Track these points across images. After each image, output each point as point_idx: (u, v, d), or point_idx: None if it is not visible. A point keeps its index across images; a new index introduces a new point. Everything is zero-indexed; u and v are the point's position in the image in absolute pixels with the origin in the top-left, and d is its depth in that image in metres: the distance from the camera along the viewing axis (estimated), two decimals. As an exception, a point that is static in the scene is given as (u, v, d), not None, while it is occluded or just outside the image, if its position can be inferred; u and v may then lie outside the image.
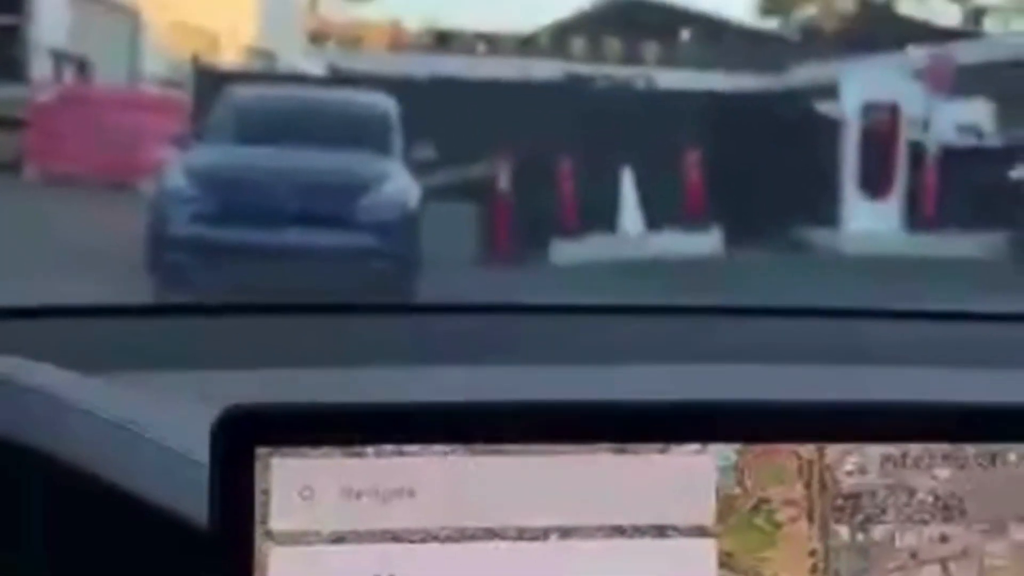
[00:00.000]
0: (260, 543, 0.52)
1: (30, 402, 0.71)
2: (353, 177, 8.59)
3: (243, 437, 0.52)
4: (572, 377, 1.08)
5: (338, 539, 0.52)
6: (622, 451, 0.54)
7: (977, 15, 40.14)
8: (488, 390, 1.00)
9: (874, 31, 30.76)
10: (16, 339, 1.03)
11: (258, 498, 0.52)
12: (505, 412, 0.54)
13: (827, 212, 12.48)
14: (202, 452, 0.68)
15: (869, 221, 12.37)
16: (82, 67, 18.06)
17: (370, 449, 0.53)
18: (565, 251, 10.64)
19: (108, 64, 19.39)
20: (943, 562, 0.56)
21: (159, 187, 8.87)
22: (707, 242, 11.52)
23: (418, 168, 9.24)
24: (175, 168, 8.82)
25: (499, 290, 8.47)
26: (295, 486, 0.52)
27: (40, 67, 17.87)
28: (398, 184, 8.74)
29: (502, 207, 10.57)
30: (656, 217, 11.54)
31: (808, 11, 41.24)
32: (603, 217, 11.31)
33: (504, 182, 10.69)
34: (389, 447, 0.53)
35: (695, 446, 0.55)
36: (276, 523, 0.52)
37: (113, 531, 0.68)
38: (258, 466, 0.52)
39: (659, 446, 0.54)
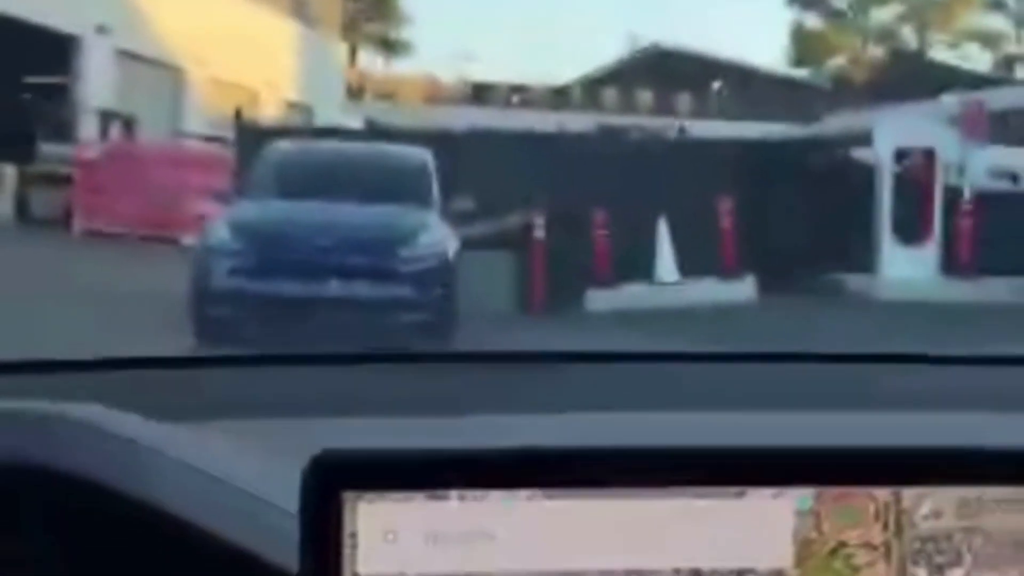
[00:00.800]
0: (348, 586, 0.53)
1: (117, 449, 0.73)
2: (392, 229, 8.63)
3: (331, 483, 0.53)
4: (608, 423, 1.08)
5: (422, 582, 0.53)
6: (700, 495, 0.55)
7: (1009, 61, 40.10)
8: (529, 438, 1.00)
9: (906, 78, 30.77)
10: (87, 389, 1.05)
11: (346, 541, 0.53)
12: (584, 457, 0.55)
13: (862, 258, 12.42)
14: (278, 496, 0.70)
15: (905, 267, 12.31)
16: (127, 124, 18.32)
17: (452, 494, 0.54)
18: (600, 300, 10.64)
19: (152, 121, 19.69)
20: (1021, 604, 0.56)
21: (202, 241, 8.92)
22: (742, 289, 11.49)
23: (456, 219, 9.28)
24: (217, 222, 8.88)
25: (535, 339, 8.46)
26: (380, 530, 0.53)
27: (87, 125, 18.15)
28: (436, 235, 8.77)
29: (538, 257, 10.59)
30: (691, 265, 11.52)
31: (839, 59, 41.37)
32: (638, 266, 11.31)
33: (540, 232, 10.71)
34: (470, 492, 0.54)
35: (772, 490, 0.55)
36: (363, 566, 0.53)
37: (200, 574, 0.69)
38: (346, 510, 0.53)
39: (737, 490, 0.55)
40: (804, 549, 0.55)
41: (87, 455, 0.73)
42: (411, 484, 0.53)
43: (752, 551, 0.55)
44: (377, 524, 0.53)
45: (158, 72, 22.06)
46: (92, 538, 0.73)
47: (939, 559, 0.56)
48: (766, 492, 0.55)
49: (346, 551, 0.53)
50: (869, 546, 0.55)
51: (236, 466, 0.77)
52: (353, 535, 0.53)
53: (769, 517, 0.55)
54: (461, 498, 0.54)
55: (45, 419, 0.76)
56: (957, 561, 0.56)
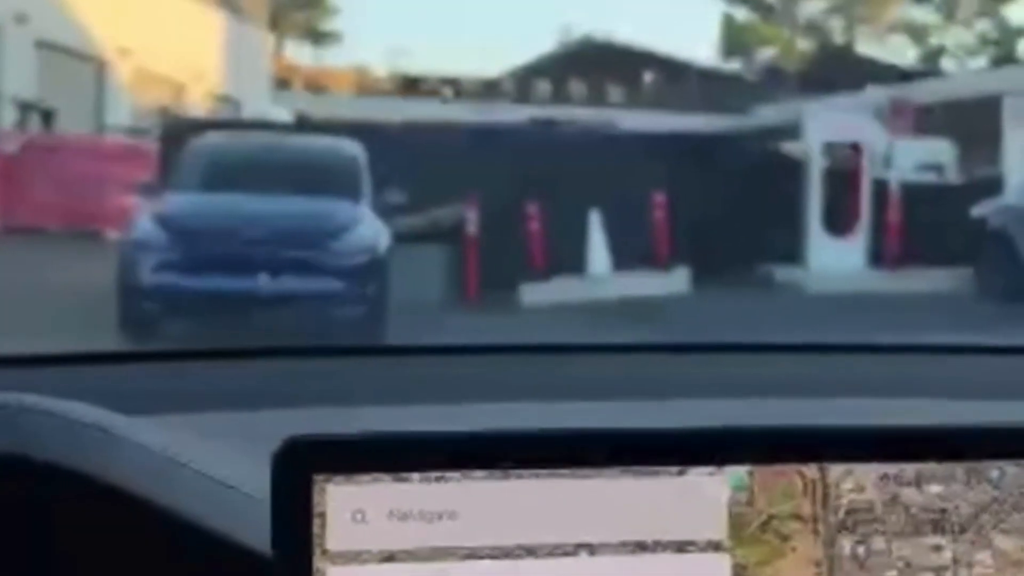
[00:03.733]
0: (318, 563, 0.57)
1: (92, 440, 0.76)
2: (322, 222, 8.62)
3: (301, 466, 0.57)
4: (555, 413, 1.12)
5: (388, 558, 0.57)
6: (643, 474, 0.60)
7: (935, 55, 40.86)
8: (483, 425, 1.04)
9: (835, 71, 31.24)
10: (41, 385, 1.07)
11: (315, 521, 0.57)
12: (538, 440, 0.59)
13: (792, 250, 12.63)
14: (246, 483, 0.73)
15: (834, 259, 12.53)
16: (47, 117, 18.03)
17: (416, 475, 0.58)
18: (534, 293, 10.71)
19: (75, 113, 19.39)
20: (936, 570, 0.62)
21: (128, 236, 8.84)
22: (674, 281, 11.63)
23: (387, 212, 9.28)
24: (143, 217, 8.80)
25: (468, 332, 8.51)
26: (348, 510, 0.57)
27: (4, 117, 17.83)
28: (367, 229, 8.77)
29: (471, 250, 10.64)
30: (623, 258, 11.64)
31: (769, 52, 41.87)
32: (571, 259, 11.39)
33: (472, 225, 10.75)
34: (433, 473, 0.58)
35: (709, 469, 0.60)
36: (332, 544, 0.57)
37: (175, 560, 0.73)
38: (315, 492, 0.57)
39: (677, 469, 0.60)
40: (738, 522, 0.60)
41: (59, 446, 0.76)
42: (377, 467, 0.57)
43: (691, 525, 0.60)
44: (345, 505, 0.57)
45: (80, 63, 21.72)
46: (67, 528, 0.75)
47: (862, 529, 0.61)
48: (703, 471, 0.60)
49: (316, 531, 0.57)
50: (798, 518, 0.60)
51: (205, 455, 0.80)
52: (322, 515, 0.57)
53: (706, 494, 0.60)
54: (424, 479, 0.58)
55: (13, 411, 0.79)
56: (878, 531, 0.61)
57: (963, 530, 0.62)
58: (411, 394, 1.15)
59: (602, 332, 8.59)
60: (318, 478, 0.57)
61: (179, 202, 8.89)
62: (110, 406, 0.84)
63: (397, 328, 8.20)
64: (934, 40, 41.15)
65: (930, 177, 15.31)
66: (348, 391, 1.18)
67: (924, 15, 41.23)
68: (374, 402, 1.09)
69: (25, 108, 17.92)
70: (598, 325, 9.00)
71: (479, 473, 0.58)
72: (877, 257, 12.75)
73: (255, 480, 0.68)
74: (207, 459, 0.79)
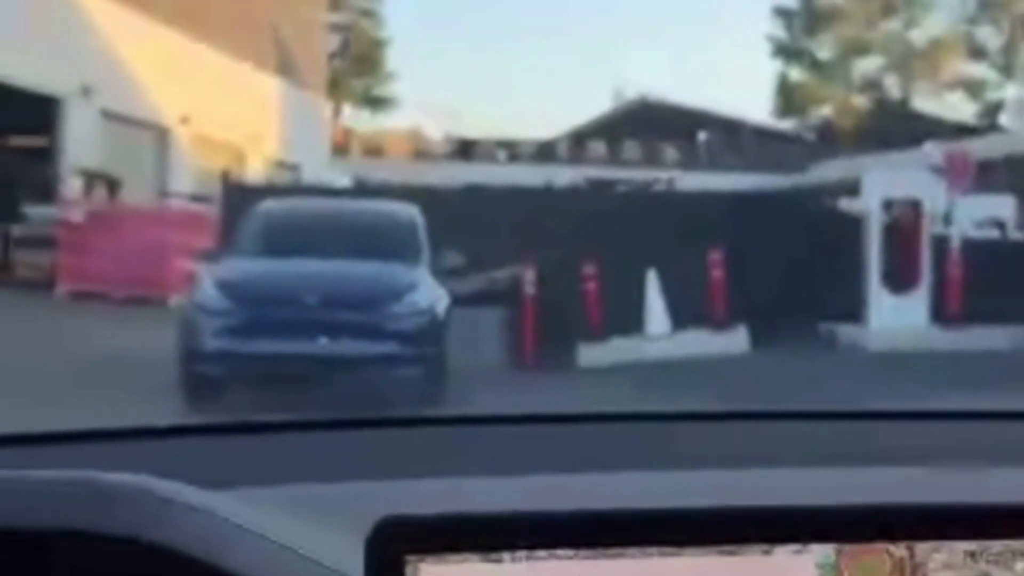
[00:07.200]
0: (412, 643, 0.58)
1: (189, 520, 0.77)
2: (381, 286, 8.68)
3: (395, 547, 0.58)
4: (606, 484, 1.12)
5: (479, 637, 0.58)
6: (730, 553, 0.60)
7: (992, 109, 40.52)
8: (527, 498, 1.05)
9: (891, 128, 31.09)
10: (117, 459, 1.09)
11: (409, 601, 0.58)
12: (624, 519, 0.60)
13: (852, 308, 12.50)
14: (325, 556, 0.74)
15: (894, 316, 12.38)
16: (111, 186, 18.39)
17: (505, 555, 0.59)
18: (591, 354, 10.67)
19: (137, 181, 19.77)
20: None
21: (189, 301, 8.96)
22: (733, 341, 11.54)
23: (446, 275, 9.32)
24: (205, 282, 8.92)
25: (527, 394, 8.48)
26: (440, 590, 0.58)
27: (70, 187, 18.21)
28: (426, 292, 8.82)
29: (528, 312, 10.64)
30: (681, 317, 11.57)
31: (824, 110, 41.77)
32: (628, 319, 11.35)
33: (530, 287, 10.77)
34: (522, 552, 0.59)
35: (796, 547, 0.60)
36: (424, 623, 0.58)
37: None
38: (407, 572, 0.58)
39: (763, 547, 0.60)
40: (827, 601, 0.60)
41: (146, 523, 0.77)
42: (468, 547, 0.58)
43: (779, 604, 0.60)
44: (437, 584, 0.58)
45: (143, 131, 22.18)
46: None
47: (951, 608, 0.61)
48: (790, 549, 0.60)
49: (409, 610, 0.58)
50: (887, 597, 0.60)
51: (290, 532, 0.81)
52: (415, 595, 0.58)
53: (793, 573, 0.60)
54: (514, 559, 0.59)
55: (98, 488, 0.80)
56: (968, 609, 0.61)
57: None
58: (469, 464, 1.15)
59: (658, 395, 8.53)
60: (411, 558, 0.58)
61: (240, 267, 9.00)
62: (191, 480, 0.85)
63: (455, 390, 8.20)
64: (992, 95, 40.86)
65: (991, 232, 15.15)
66: (407, 461, 1.19)
67: (981, 71, 41.01)
68: (435, 473, 1.09)
69: (90, 177, 18.30)
70: (656, 387, 8.94)
71: (566, 552, 0.59)
72: (939, 315, 12.58)
73: (334, 554, 0.69)
74: (291, 535, 0.80)
